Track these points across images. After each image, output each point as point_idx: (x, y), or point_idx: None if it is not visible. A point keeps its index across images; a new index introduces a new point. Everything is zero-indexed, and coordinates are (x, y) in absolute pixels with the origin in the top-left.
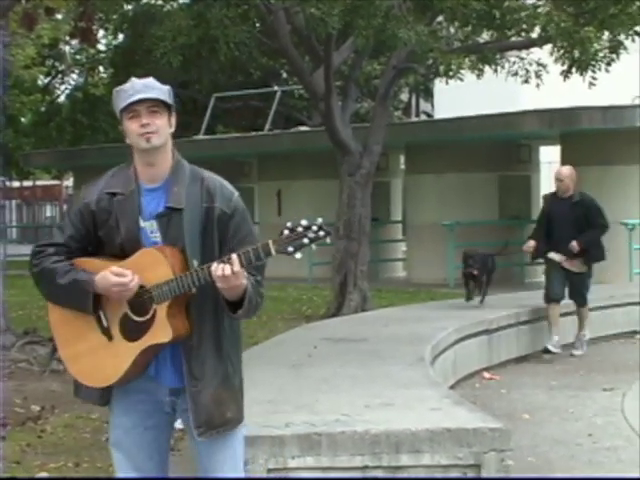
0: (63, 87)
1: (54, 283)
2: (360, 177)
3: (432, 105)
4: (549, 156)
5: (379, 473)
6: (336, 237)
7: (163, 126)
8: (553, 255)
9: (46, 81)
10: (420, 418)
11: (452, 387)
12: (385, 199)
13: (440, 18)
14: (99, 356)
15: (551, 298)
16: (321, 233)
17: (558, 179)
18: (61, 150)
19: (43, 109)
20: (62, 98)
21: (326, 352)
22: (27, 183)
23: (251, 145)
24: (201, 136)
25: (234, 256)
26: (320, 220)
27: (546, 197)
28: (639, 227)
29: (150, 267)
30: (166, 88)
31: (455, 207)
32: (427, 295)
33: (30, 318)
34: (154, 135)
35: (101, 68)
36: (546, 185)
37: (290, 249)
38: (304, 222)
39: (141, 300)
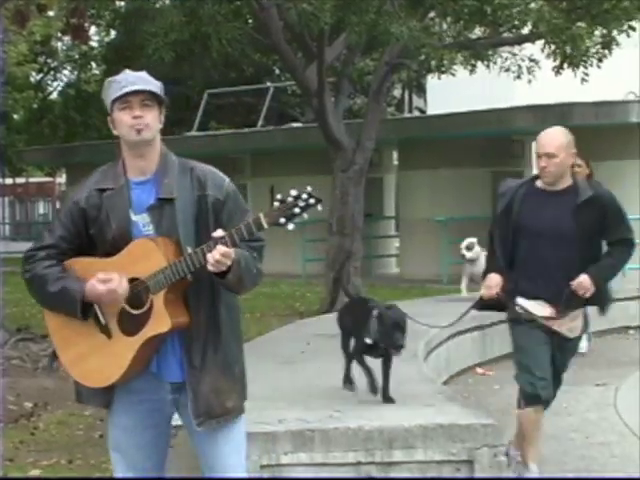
0: (55, 84)
1: (45, 290)
2: (353, 173)
3: (425, 101)
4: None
5: (372, 469)
6: (329, 233)
7: (154, 120)
8: (530, 306)
9: (38, 78)
10: (413, 414)
11: (445, 383)
12: (378, 195)
13: (432, 14)
14: (99, 356)
15: (536, 396)
16: (311, 201)
17: (548, 154)
18: (54, 147)
19: (35, 106)
20: (54, 95)
21: (319, 348)
22: (20, 180)
23: (244, 141)
24: (194, 132)
25: (216, 235)
26: (309, 188)
27: (510, 189)
28: (632, 222)
29: (143, 258)
30: (158, 83)
31: (448, 203)
32: (420, 291)
33: (23, 315)
34: (145, 128)
35: (93, 65)
36: None
37: (282, 220)
38: (293, 192)
39: (137, 292)
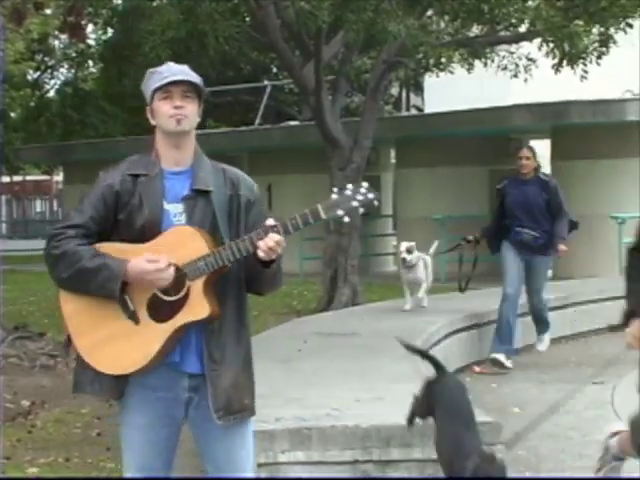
0: (53, 82)
1: (79, 266)
2: (350, 171)
3: (422, 99)
4: (539, 150)
5: (369, 467)
6: (327, 232)
7: (193, 112)
8: None
9: (35, 76)
10: None
11: None
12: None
13: (430, 12)
14: (124, 342)
15: None
16: (370, 196)
17: None
18: (51, 145)
19: (33, 104)
20: (52, 93)
21: (317, 346)
22: (17, 178)
23: (241, 140)
24: None
25: (269, 223)
26: (365, 184)
27: None
28: (629, 221)
29: (181, 244)
30: (199, 77)
31: (446, 201)
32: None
33: (20, 313)
34: (184, 119)
35: (91, 63)
36: None
37: (340, 212)
38: (351, 186)
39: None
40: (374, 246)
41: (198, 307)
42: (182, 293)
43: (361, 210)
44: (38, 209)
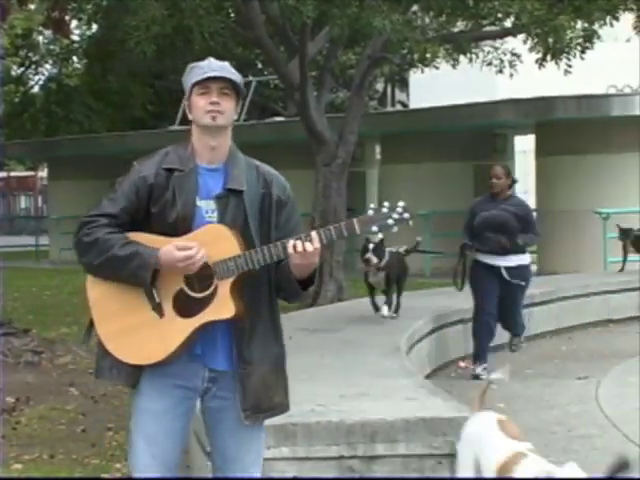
0: (37, 78)
1: (110, 254)
2: (336, 167)
3: (407, 95)
4: (523, 145)
5: (354, 463)
6: (312, 227)
7: (230, 109)
8: None
9: (20, 72)
10: (395, 408)
11: (428, 377)
12: (361, 189)
13: (415, 7)
14: (146, 333)
15: None
16: (405, 215)
17: None
18: (35, 141)
19: (17, 100)
20: (36, 89)
21: (302, 342)
22: (1, 174)
23: None
24: (176, 126)
25: (314, 233)
26: (402, 203)
27: None
28: (613, 216)
29: (213, 243)
30: (240, 76)
31: (431, 197)
32: None
33: (5, 310)
34: (220, 115)
35: (75, 59)
36: (521, 174)
37: (374, 229)
38: (387, 203)
39: (199, 276)
40: (359, 242)
41: (223, 307)
42: (209, 291)
43: (395, 229)
44: (23, 205)
